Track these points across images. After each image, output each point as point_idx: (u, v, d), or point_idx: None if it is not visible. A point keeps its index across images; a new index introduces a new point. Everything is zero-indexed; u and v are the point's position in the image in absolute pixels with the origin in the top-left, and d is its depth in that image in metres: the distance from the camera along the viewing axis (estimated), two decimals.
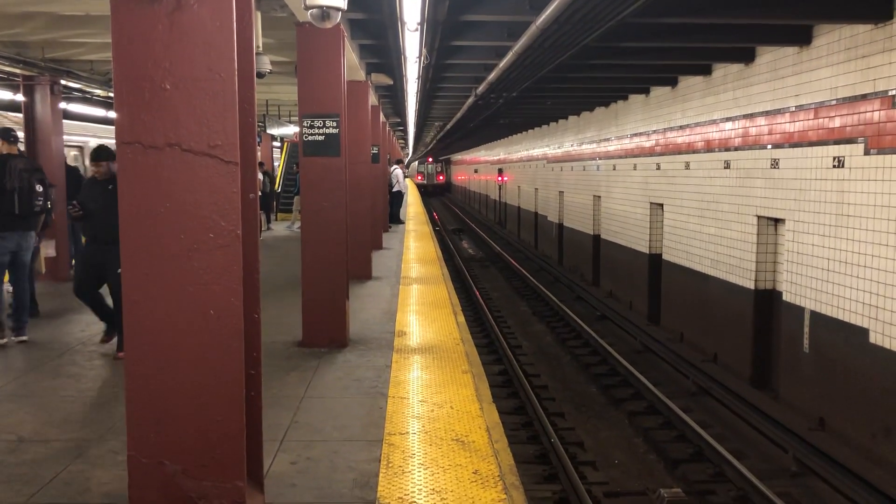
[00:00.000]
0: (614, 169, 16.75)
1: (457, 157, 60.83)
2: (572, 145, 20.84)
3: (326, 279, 7.11)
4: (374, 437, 4.76)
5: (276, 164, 27.26)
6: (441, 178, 68.48)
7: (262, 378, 3.14)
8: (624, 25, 7.67)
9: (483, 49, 9.94)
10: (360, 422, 5.08)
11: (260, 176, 18.19)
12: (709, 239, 11.51)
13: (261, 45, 6.71)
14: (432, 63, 9.32)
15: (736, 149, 10.59)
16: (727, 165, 10.84)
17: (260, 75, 6.80)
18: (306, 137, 6.98)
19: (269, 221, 20.31)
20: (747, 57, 10.13)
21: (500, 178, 36.91)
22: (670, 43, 9.44)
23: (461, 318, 8.60)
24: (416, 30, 6.46)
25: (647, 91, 14.26)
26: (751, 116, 10.11)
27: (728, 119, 10.84)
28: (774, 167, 9.46)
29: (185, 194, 2.68)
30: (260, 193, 18.49)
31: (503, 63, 9.36)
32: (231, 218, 2.71)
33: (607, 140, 17.27)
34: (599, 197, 18.14)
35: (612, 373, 11.37)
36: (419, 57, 7.85)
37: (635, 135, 15.18)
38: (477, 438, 4.73)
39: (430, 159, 66.21)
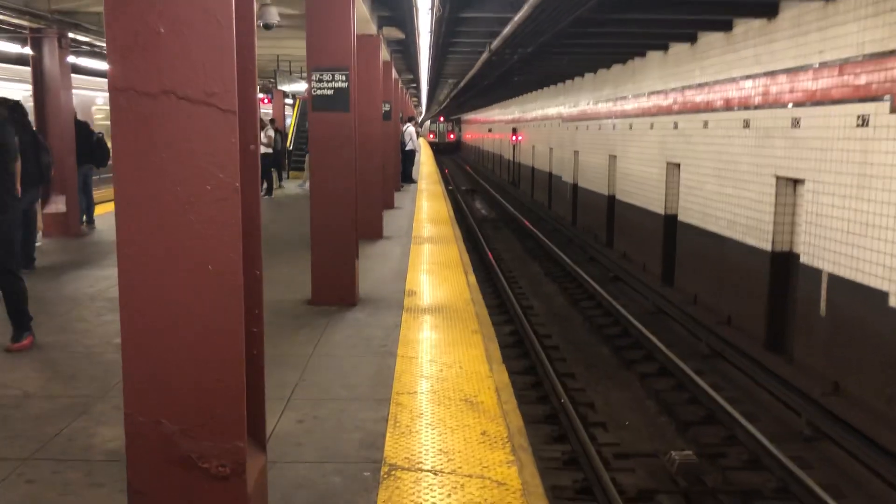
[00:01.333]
0: (630, 128, 16.47)
1: (468, 116, 61.75)
2: (588, 104, 20.51)
3: (335, 238, 7.01)
4: (382, 397, 4.70)
5: (287, 121, 27.05)
6: (452, 136, 70.35)
7: (264, 336, 3.06)
8: None
9: (498, 1, 9.67)
10: (369, 381, 5.02)
11: (272, 133, 18.03)
12: (726, 200, 11.30)
13: None
14: (445, 15, 9.08)
15: (756, 107, 10.33)
16: (746, 125, 10.59)
17: (268, 27, 6.64)
18: (315, 92, 6.82)
19: (280, 179, 20.20)
20: (770, 11, 9.82)
21: (514, 138, 36.54)
22: None
23: (472, 279, 8.50)
24: None
25: (665, 48, 13.93)
26: (772, 74, 9.83)
27: (748, 77, 10.55)
28: (795, 126, 9.22)
29: (181, 144, 2.56)
30: (271, 150, 18.33)
31: (519, 15, 9.12)
32: (229, 170, 2.59)
33: (624, 98, 16.95)
34: (615, 157, 17.88)
35: (625, 334, 11.28)
36: (432, 8, 7.63)
37: (653, 93, 14.87)
38: (486, 399, 4.66)
39: (441, 118, 68.10)
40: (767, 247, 10.01)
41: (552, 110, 26.05)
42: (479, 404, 4.57)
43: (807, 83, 8.94)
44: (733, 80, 11.04)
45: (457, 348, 5.71)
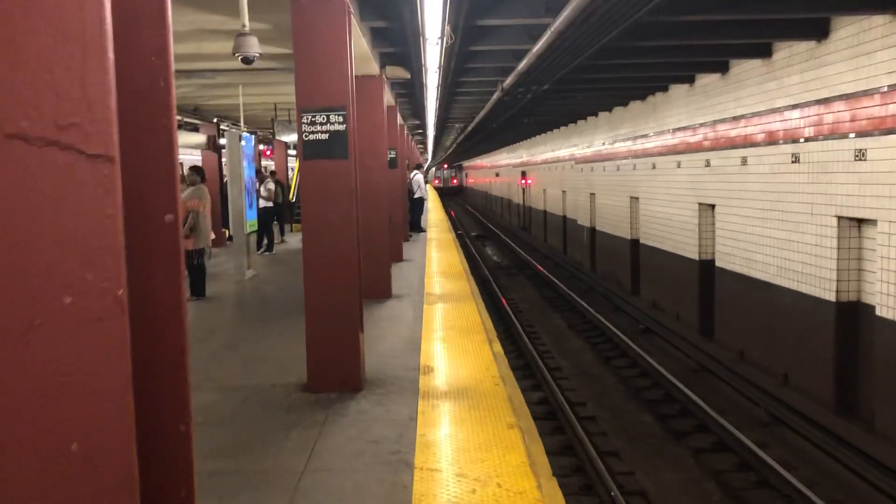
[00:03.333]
0: (654, 168, 15.35)
1: (470, 162, 66.77)
2: (604, 144, 19.46)
3: (335, 308, 5.83)
4: None
5: (290, 172, 26.15)
6: (455, 181, 78.60)
7: None
8: None
9: (515, 30, 8.63)
10: None
11: (272, 185, 17.02)
12: (774, 244, 10.09)
13: (247, 23, 5.46)
14: (456, 47, 8.04)
15: (807, 140, 9.18)
16: (796, 159, 9.44)
17: (247, 61, 5.56)
18: (306, 137, 5.71)
19: (282, 233, 19.16)
20: (819, 32, 8.74)
21: (523, 182, 35.53)
22: (725, 16, 8.08)
23: (497, 347, 7.27)
24: None
25: (691, 80, 12.88)
26: (826, 102, 8.71)
27: (795, 106, 9.43)
28: (860, 159, 8.05)
29: (14, 221, 1.38)
30: (272, 204, 17.29)
31: (538, 46, 8.06)
32: (104, 266, 1.40)
33: (645, 136, 15.88)
34: (637, 198, 16.74)
35: (668, 398, 9.99)
36: (441, 37, 6.56)
37: (678, 129, 13.79)
38: None
39: (445, 166, 76.42)
40: (830, 297, 8.76)
41: (563, 152, 25.06)
42: None
43: (873, 109, 7.81)
44: (776, 110, 9.92)
45: (491, 453, 4.46)
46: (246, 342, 7.61)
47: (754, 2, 7.93)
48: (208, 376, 6.35)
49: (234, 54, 5.46)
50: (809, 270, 9.20)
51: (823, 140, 8.78)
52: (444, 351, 7.13)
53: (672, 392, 10.04)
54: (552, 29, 7.06)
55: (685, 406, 9.53)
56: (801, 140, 9.28)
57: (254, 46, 5.51)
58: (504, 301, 16.49)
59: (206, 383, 6.13)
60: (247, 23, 5.42)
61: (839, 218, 8.53)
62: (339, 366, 5.82)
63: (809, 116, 9.08)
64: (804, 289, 9.33)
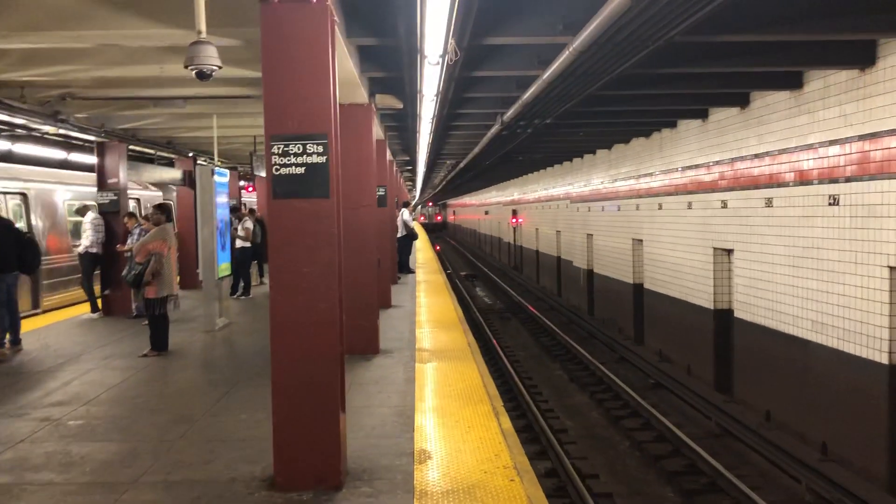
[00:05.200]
0: (660, 208, 14.37)
1: (454, 200, 71.58)
2: (602, 182, 18.52)
3: (310, 384, 4.67)
4: None
5: None
6: (439, 217, 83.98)
7: None
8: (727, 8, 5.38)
9: (523, 53, 7.62)
10: None
11: (250, 224, 15.84)
12: (807, 295, 9.04)
13: (203, 30, 4.37)
14: (457, 71, 7.01)
15: (847, 179, 8.20)
16: (834, 201, 8.44)
17: (202, 76, 4.46)
18: (277, 171, 4.60)
19: (262, 275, 17.90)
20: (862, 59, 7.81)
21: (514, 220, 34.57)
22: (758, 37, 7.08)
23: (507, 423, 6.10)
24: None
25: (704, 115, 11.95)
26: (873, 137, 7.74)
27: (833, 142, 8.47)
28: None
29: None
30: (249, 244, 16.10)
31: (550, 71, 7.03)
32: None
33: (649, 175, 14.92)
34: (640, 241, 15.72)
35: (692, 470, 8.82)
36: (443, 55, 5.50)
37: (688, 167, 12.82)
38: None
39: (430, 203, 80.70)
40: (879, 357, 7.70)
41: (558, 190, 24.13)
42: None
43: None
44: (809, 147, 8.95)
45: None
46: (205, 415, 6.39)
47: (783, 22, 6.91)
48: (154, 464, 5.14)
49: (186, 67, 4.40)
50: (852, 326, 8.14)
51: (869, 180, 7.79)
52: (443, 428, 5.95)
53: (696, 462, 8.88)
54: (571, 48, 6.03)
55: (713, 479, 8.38)
56: (841, 180, 8.30)
57: (211, 57, 4.43)
58: (500, 350, 15.31)
59: (149, 475, 4.92)
60: (203, 29, 4.35)
61: (891, 269, 7.50)
62: (314, 457, 4.64)
63: (851, 154, 8.10)
64: (845, 346, 8.26)
